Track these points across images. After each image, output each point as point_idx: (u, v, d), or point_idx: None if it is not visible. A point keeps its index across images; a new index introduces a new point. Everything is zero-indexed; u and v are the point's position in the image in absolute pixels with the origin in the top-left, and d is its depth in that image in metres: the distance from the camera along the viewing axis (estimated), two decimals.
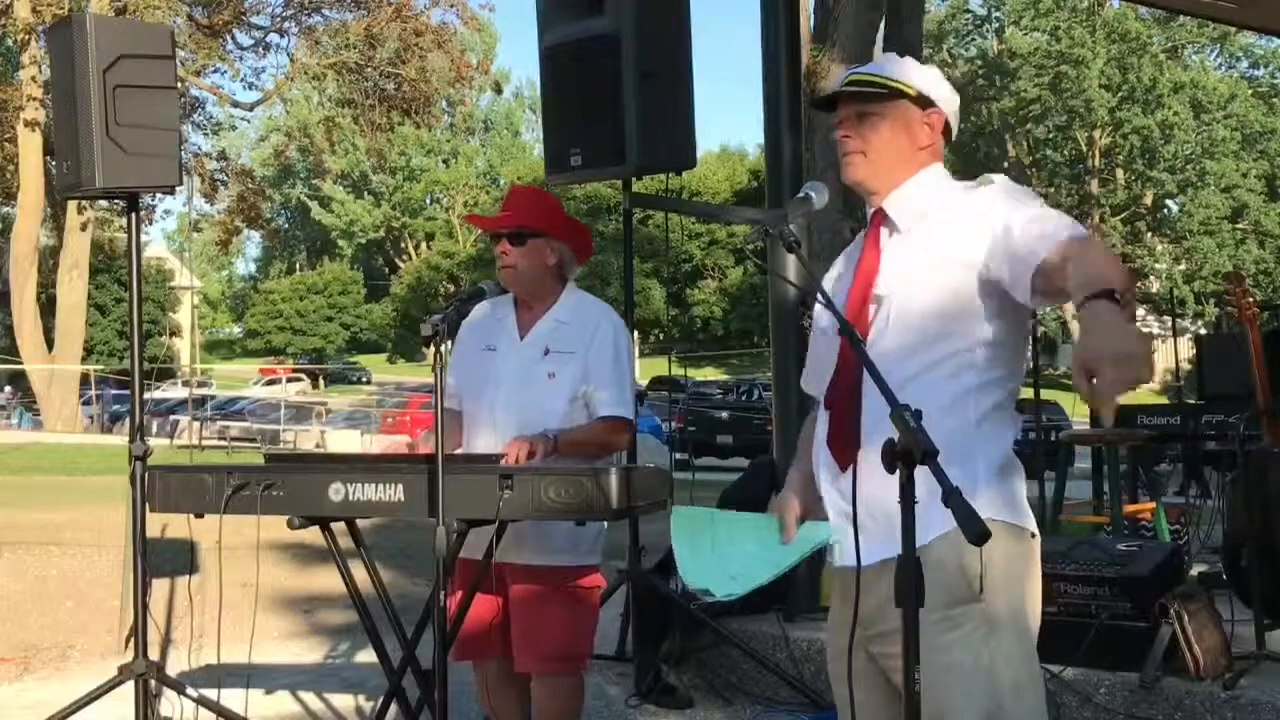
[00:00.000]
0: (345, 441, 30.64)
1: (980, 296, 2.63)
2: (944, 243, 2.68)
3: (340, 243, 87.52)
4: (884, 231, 2.81)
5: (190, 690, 5.02)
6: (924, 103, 2.81)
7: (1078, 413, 19.38)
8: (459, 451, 4.17)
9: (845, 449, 2.70)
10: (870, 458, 2.50)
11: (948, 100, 2.86)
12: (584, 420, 4.13)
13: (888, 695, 2.70)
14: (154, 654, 5.26)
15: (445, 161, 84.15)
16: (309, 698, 6.09)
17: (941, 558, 2.56)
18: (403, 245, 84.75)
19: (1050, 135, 58.95)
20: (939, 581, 2.48)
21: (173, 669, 5.60)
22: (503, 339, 4.20)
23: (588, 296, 4.34)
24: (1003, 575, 2.62)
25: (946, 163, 2.90)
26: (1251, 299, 5.26)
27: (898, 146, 2.80)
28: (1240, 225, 55.43)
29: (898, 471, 2.26)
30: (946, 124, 2.87)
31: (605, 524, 4.05)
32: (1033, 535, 2.71)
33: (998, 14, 58.68)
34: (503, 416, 4.12)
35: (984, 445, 2.68)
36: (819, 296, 2.73)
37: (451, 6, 35.41)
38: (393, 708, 4.27)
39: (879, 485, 2.49)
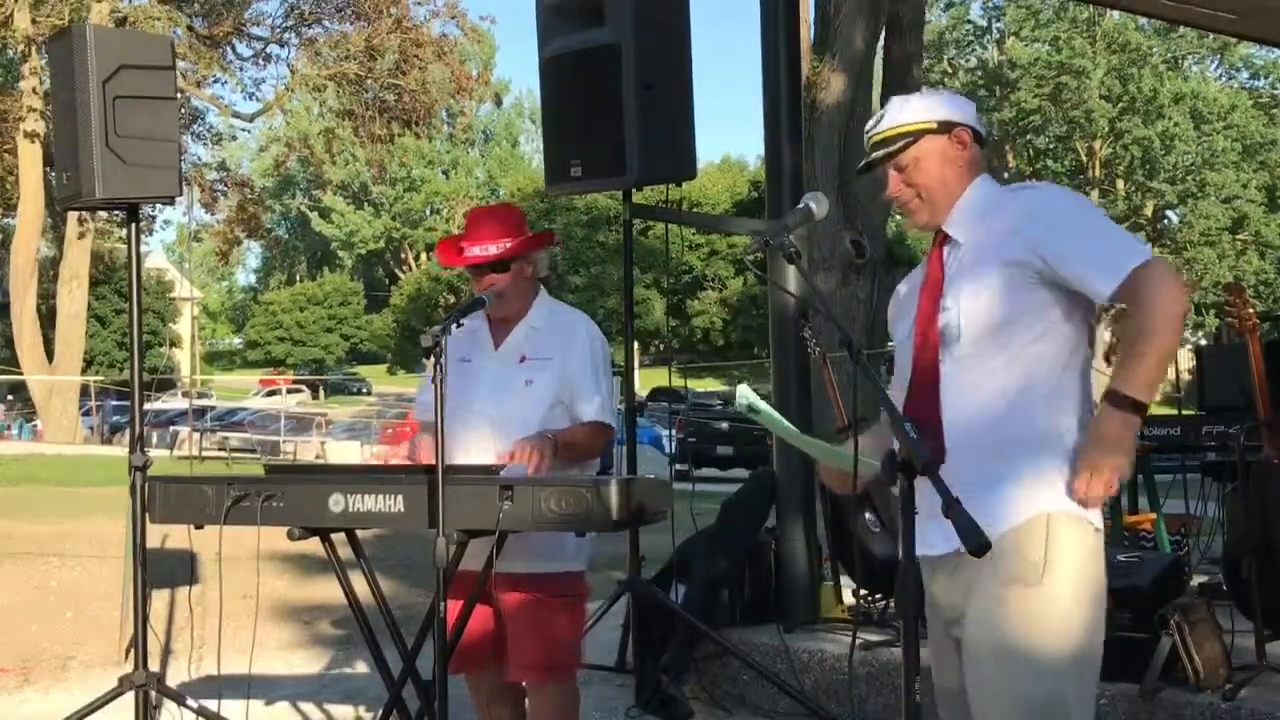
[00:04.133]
0: (345, 452, 30.66)
1: (1040, 289, 2.80)
2: (994, 245, 2.85)
3: (340, 253, 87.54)
4: (946, 249, 2.97)
5: (190, 701, 5.02)
6: (946, 128, 2.96)
7: None
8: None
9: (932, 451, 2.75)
10: (954, 456, 2.75)
11: (964, 113, 3.01)
12: (564, 426, 4.14)
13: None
14: (154, 665, 5.24)
15: (445, 172, 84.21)
16: (309, 708, 6.08)
17: (1009, 545, 2.73)
18: (403, 256, 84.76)
19: (1050, 146, 59.01)
20: (1000, 564, 2.71)
21: (173, 680, 5.59)
22: (477, 350, 4.20)
23: (560, 304, 4.37)
24: (1068, 564, 2.75)
25: None
26: (1252, 310, 5.25)
27: (944, 177, 2.95)
28: (1240, 236, 55.43)
29: (986, 464, 2.73)
30: (975, 132, 3.01)
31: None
32: (1097, 530, 2.83)
33: (998, 25, 58.74)
34: (482, 426, 4.12)
35: (1061, 434, 2.81)
36: (820, 307, 2.76)
37: (452, 18, 35.53)
38: (393, 719, 4.26)
39: (965, 481, 2.62)
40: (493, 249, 4.15)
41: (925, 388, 2.87)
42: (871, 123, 3.03)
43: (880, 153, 2.97)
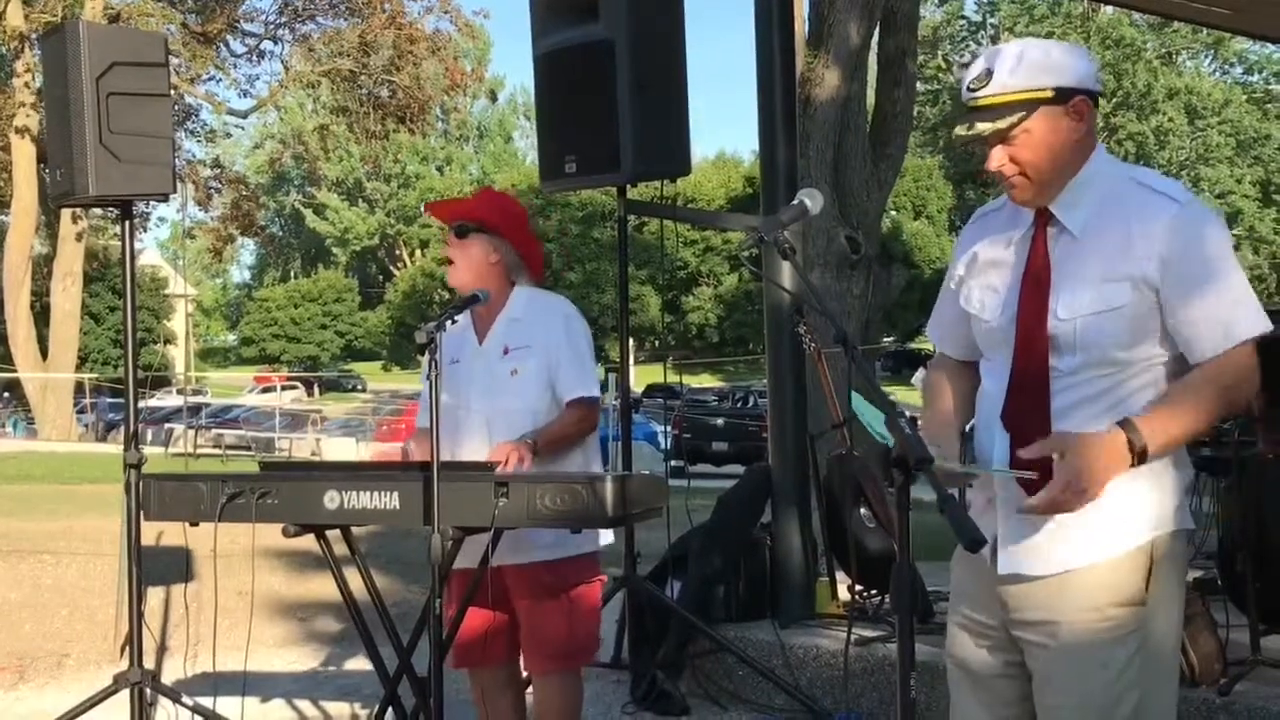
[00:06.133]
0: (340, 449, 30.63)
1: (1151, 314, 2.61)
2: (1120, 257, 2.60)
3: (335, 250, 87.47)
4: (1051, 232, 2.69)
5: (185, 698, 5.02)
6: (1063, 96, 2.60)
7: None
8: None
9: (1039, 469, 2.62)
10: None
11: (1083, 75, 2.63)
12: (556, 412, 4.16)
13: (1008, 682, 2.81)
14: (149, 662, 5.25)
15: (440, 169, 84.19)
16: (305, 705, 6.08)
17: (1104, 575, 2.64)
18: (397, 252, 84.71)
19: None
20: (1101, 587, 2.63)
21: (168, 677, 5.59)
22: (465, 349, 4.22)
23: (539, 291, 4.36)
24: (1166, 585, 2.69)
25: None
26: None
27: (1056, 155, 2.62)
28: (1235, 231, 55.48)
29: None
30: (1093, 96, 2.66)
31: None
32: (1190, 534, 2.80)
33: (992, 20, 58.75)
34: (476, 424, 4.13)
35: (1166, 458, 2.66)
36: (815, 302, 2.73)
37: (446, 13, 35.48)
38: (389, 715, 4.26)
39: None
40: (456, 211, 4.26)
41: (1030, 396, 2.67)
42: (973, 75, 2.64)
43: (987, 128, 2.60)
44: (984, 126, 2.62)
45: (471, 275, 4.19)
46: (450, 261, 4.22)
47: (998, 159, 2.64)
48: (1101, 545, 2.64)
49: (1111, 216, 2.63)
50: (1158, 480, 2.65)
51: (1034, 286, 2.68)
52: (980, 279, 2.81)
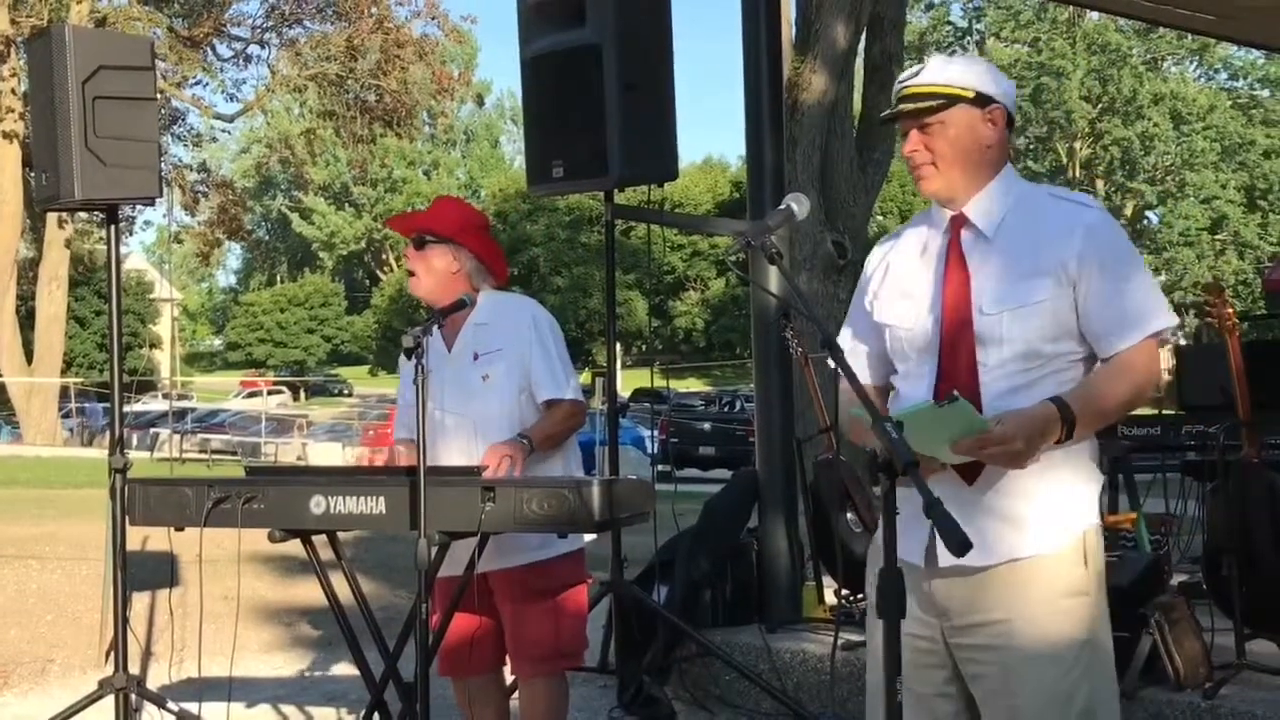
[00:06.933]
0: (327, 454, 30.57)
1: (1073, 311, 2.74)
2: (1039, 255, 2.73)
3: (321, 254, 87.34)
4: (966, 237, 2.81)
5: (171, 704, 5.00)
6: (982, 101, 2.79)
7: None
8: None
9: (972, 464, 2.71)
10: (993, 470, 2.68)
11: (1003, 90, 2.83)
12: (534, 413, 4.16)
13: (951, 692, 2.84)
14: (134, 667, 5.23)
15: (427, 173, 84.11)
16: (290, 710, 6.06)
17: (1067, 559, 2.75)
18: (384, 257, 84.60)
19: (1031, 146, 59.15)
20: (1057, 577, 2.73)
21: (153, 682, 5.57)
22: (435, 359, 4.20)
23: (503, 295, 4.37)
24: (1101, 574, 2.81)
25: None
26: (1231, 310, 5.26)
27: (966, 152, 2.79)
28: (1220, 236, 55.70)
29: (1031, 479, 2.66)
30: (1009, 116, 2.85)
31: None
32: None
33: (979, 26, 58.88)
34: (452, 432, 4.12)
35: (1087, 452, 2.81)
36: (801, 307, 2.74)
37: (433, 19, 35.45)
38: None
39: (1004, 496, 2.69)
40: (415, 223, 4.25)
41: (961, 391, 2.68)
42: (907, 74, 2.85)
43: (909, 107, 2.79)
44: (906, 107, 2.80)
45: (434, 285, 4.20)
46: (413, 274, 4.22)
47: (913, 143, 2.81)
48: (1042, 537, 2.71)
49: (1026, 221, 2.78)
50: (1084, 475, 2.79)
51: (956, 286, 2.79)
52: (895, 289, 2.91)
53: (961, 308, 2.76)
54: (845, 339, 3.02)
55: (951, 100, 2.77)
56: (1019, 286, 2.72)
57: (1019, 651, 2.71)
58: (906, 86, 2.81)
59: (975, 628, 2.73)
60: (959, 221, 2.82)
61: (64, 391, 36.17)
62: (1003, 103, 2.81)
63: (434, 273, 4.20)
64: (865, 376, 2.94)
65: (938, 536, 2.66)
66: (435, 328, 3.85)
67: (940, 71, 2.80)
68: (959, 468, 2.71)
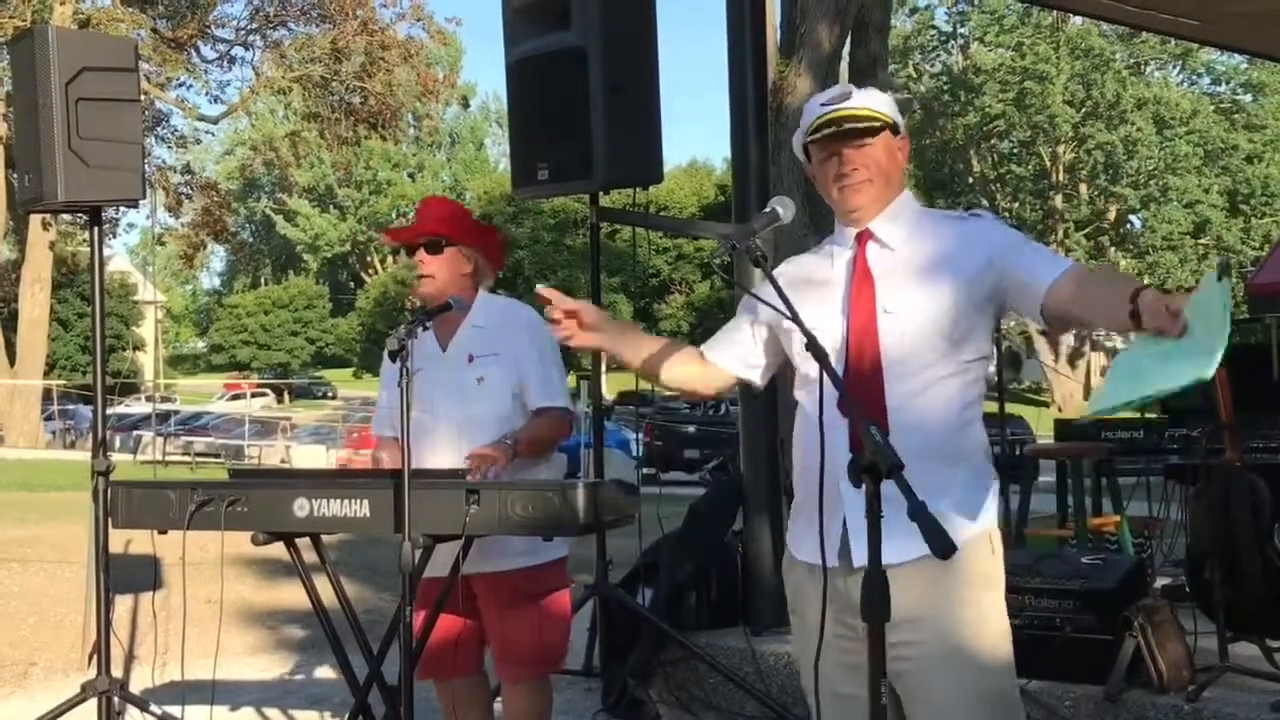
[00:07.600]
0: (310, 457, 30.48)
1: (977, 314, 2.88)
2: (941, 262, 2.88)
3: (305, 257, 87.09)
4: (872, 250, 2.94)
5: (154, 707, 4.99)
6: (896, 131, 2.99)
7: (1041, 427, 19.50)
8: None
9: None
10: (906, 459, 2.66)
11: (903, 127, 3.06)
12: (524, 418, 4.17)
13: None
14: (117, 671, 5.21)
15: (412, 175, 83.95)
16: (274, 713, 6.05)
17: (975, 552, 2.84)
18: (368, 259, 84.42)
19: (1014, 151, 59.24)
20: (969, 570, 2.82)
21: (136, 686, 5.55)
22: (426, 358, 4.19)
23: (500, 298, 4.38)
24: (997, 571, 2.92)
25: (911, 178, 2.98)
26: None
27: (886, 173, 2.95)
28: (1202, 240, 55.80)
29: (941, 470, 2.76)
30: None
31: None
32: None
33: (963, 30, 58.96)
34: (442, 432, 4.12)
35: (987, 452, 2.95)
36: (785, 311, 2.73)
37: (418, 21, 35.43)
38: None
39: (918, 487, 2.62)
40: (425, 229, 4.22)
41: (864, 393, 2.81)
42: (835, 97, 2.96)
43: (855, 126, 2.91)
44: (851, 125, 2.90)
45: (446, 285, 4.19)
46: (422, 276, 4.20)
47: (856, 158, 2.93)
48: (955, 530, 2.66)
49: (927, 233, 2.96)
50: (987, 474, 2.92)
51: (862, 291, 2.91)
52: (803, 298, 2.89)
53: (869, 310, 2.88)
54: (719, 340, 3.25)
55: (880, 127, 2.95)
56: (921, 292, 2.86)
57: (937, 645, 2.79)
58: (842, 109, 2.93)
59: (893, 625, 2.67)
60: (865, 236, 2.97)
61: (47, 394, 36.03)
62: (905, 135, 3.05)
63: (450, 275, 4.20)
64: (726, 361, 3.26)
65: (848, 532, 2.79)
66: (425, 327, 3.85)
67: (869, 99, 2.97)
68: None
